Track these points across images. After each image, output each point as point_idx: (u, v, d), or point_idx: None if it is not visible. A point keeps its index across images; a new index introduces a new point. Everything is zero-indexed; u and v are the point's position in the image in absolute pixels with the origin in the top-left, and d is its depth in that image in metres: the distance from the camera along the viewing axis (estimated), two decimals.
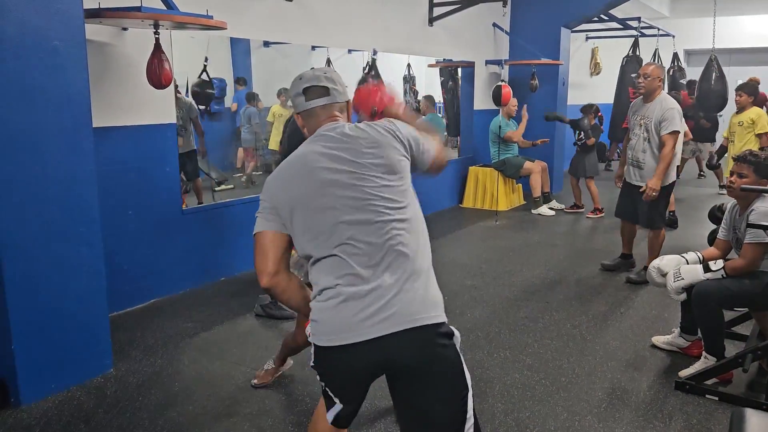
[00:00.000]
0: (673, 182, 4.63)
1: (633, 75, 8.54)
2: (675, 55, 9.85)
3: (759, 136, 6.13)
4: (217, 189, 6.55)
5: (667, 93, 4.73)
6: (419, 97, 9.19)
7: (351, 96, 1.94)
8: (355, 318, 1.60)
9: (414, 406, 1.67)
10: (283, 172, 1.78)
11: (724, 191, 7.08)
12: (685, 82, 9.51)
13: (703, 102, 7.58)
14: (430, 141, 1.89)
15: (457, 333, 1.74)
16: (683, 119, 4.67)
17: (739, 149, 6.17)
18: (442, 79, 9.15)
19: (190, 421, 2.79)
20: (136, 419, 2.80)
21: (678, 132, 4.44)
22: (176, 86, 4.69)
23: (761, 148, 6.00)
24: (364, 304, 1.60)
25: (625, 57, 8.98)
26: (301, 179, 1.71)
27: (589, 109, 7.27)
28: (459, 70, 8.41)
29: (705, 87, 7.45)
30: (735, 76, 11.28)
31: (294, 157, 1.78)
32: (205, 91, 6.15)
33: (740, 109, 6.29)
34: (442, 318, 1.68)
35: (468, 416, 1.68)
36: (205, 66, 6.01)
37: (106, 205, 3.53)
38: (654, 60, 8.88)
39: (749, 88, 6.35)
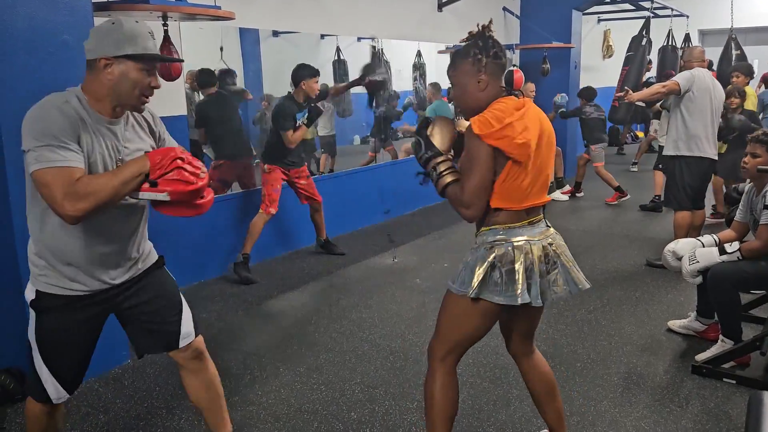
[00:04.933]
0: (688, 157, 4.41)
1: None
2: (687, 36, 9.68)
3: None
4: None
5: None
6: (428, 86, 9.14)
7: None
8: None
9: None
10: None
11: None
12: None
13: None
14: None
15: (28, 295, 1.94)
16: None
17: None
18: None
19: None
20: (154, 409, 2.83)
21: (673, 81, 4.52)
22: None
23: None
24: None
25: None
26: None
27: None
28: None
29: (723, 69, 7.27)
30: (752, 55, 11.10)
31: None
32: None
33: None
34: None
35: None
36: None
37: None
38: (667, 41, 8.74)
39: (746, 69, 6.26)
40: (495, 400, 2.86)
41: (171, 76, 3.75)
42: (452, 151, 2.15)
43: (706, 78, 4.47)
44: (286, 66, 4.92)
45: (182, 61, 2.72)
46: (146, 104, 1.93)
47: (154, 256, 2.15)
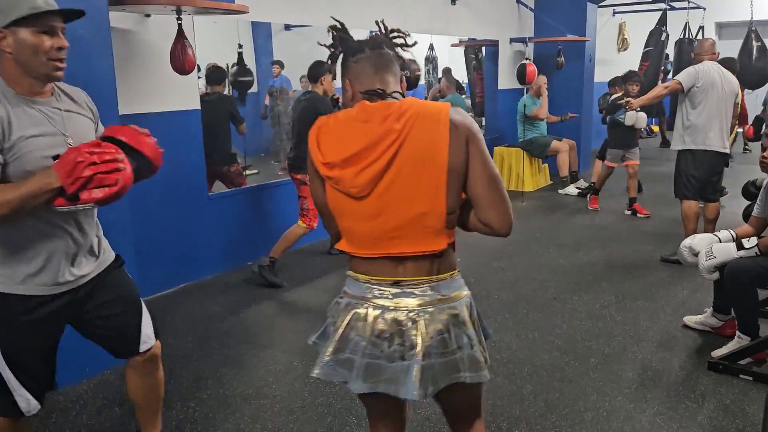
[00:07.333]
0: (693, 150, 4.42)
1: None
2: (701, 28, 9.55)
3: None
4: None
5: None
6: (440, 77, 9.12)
7: None
8: None
9: None
10: None
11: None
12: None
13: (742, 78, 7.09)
14: None
15: None
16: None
17: None
18: (471, 57, 9.02)
19: (221, 403, 2.83)
20: (168, 402, 2.84)
21: (675, 80, 4.53)
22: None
23: None
24: None
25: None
26: None
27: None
28: (483, 48, 8.29)
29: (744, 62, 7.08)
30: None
31: None
32: (244, 79, 6.15)
33: None
34: None
35: None
36: (240, 53, 5.96)
37: (134, 191, 3.56)
38: (684, 34, 8.63)
39: (731, 63, 6.18)
40: (509, 395, 2.85)
41: (185, 70, 3.77)
42: None
43: (711, 72, 4.44)
44: (298, 60, 4.91)
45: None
46: (62, 70, 1.77)
47: (112, 255, 2.04)
